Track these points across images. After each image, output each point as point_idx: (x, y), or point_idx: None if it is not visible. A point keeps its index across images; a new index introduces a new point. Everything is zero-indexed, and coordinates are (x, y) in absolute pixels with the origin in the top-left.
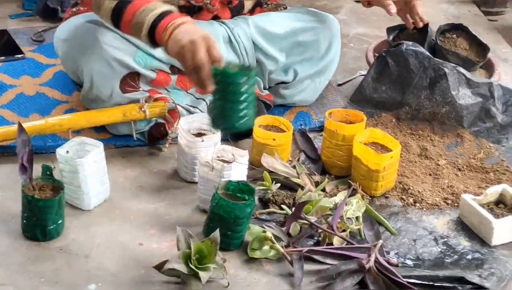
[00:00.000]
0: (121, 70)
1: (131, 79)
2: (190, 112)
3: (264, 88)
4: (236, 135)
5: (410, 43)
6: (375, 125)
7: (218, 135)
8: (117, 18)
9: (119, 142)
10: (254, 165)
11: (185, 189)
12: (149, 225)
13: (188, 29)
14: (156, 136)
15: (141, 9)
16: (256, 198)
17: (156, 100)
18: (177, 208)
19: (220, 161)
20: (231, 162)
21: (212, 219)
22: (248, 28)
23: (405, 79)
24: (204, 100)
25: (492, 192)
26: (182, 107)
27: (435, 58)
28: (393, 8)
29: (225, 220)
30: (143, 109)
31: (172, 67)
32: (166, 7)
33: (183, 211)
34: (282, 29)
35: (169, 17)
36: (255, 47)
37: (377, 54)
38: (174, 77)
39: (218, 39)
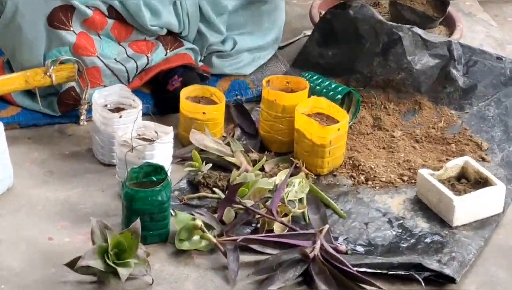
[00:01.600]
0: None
1: (63, 13)
2: (114, 73)
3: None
4: (161, 108)
5: (359, 3)
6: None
7: (138, 109)
8: None
9: (24, 120)
10: (182, 143)
11: (102, 173)
12: (60, 216)
13: None
14: (67, 102)
15: None
16: (184, 181)
17: (62, 62)
18: (93, 196)
19: (140, 140)
20: (153, 141)
21: (129, 213)
22: None
23: (355, 46)
24: (135, 60)
25: (453, 165)
26: (106, 64)
27: (388, 22)
28: None
29: (141, 212)
30: (48, 73)
31: (110, 8)
32: None
33: (99, 199)
34: (231, 2)
35: None
36: (201, 17)
37: (322, 12)
38: (110, 21)
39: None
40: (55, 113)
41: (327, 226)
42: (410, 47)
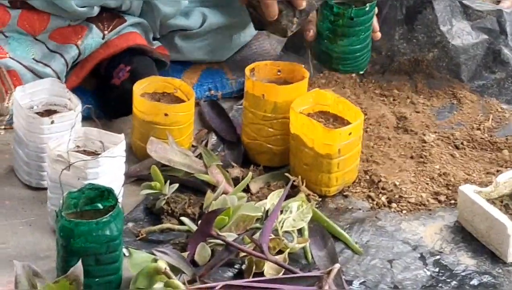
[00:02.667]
0: None
1: None
2: (37, 75)
3: (155, 38)
4: (107, 110)
5: None
6: (325, 85)
7: (77, 112)
8: None
9: None
10: (138, 156)
11: (27, 200)
12: None
13: None
14: None
15: None
16: (121, 206)
17: None
18: (17, 231)
19: (80, 154)
20: (98, 154)
21: (66, 253)
22: None
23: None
24: (60, 54)
25: (506, 180)
26: (25, 66)
27: None
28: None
29: (83, 252)
30: None
31: None
32: None
33: (25, 235)
34: None
35: None
36: None
37: None
38: (14, 13)
39: None
40: None
41: (337, 265)
42: (444, 13)
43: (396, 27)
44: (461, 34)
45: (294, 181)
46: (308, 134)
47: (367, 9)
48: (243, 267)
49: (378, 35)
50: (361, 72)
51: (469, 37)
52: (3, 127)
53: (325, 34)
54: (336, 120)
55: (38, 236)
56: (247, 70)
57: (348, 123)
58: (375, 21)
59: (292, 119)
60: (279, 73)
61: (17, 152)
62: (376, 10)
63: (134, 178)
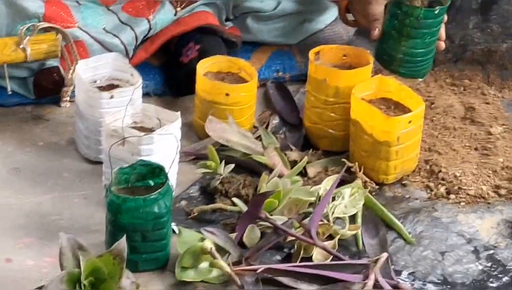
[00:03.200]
0: None
1: None
2: (105, 46)
3: (227, 20)
4: (173, 87)
5: None
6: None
7: (136, 87)
8: None
9: None
10: (199, 135)
11: (85, 173)
12: (24, 230)
13: None
14: (46, 86)
15: None
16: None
17: (45, 29)
18: (72, 204)
19: (136, 130)
20: (153, 130)
21: (114, 228)
22: None
23: None
24: (131, 26)
25: None
26: (93, 37)
27: None
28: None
29: (130, 228)
30: (22, 46)
31: None
32: None
33: (80, 208)
34: None
35: None
36: None
37: None
38: None
39: None
40: (30, 96)
41: (385, 254)
42: None
43: (470, 16)
44: None
45: (351, 167)
46: (367, 120)
47: (436, 12)
48: (292, 251)
49: (443, 45)
50: (421, 79)
51: None
52: (68, 98)
53: (390, 33)
54: (398, 108)
55: (91, 209)
56: (311, 53)
57: (409, 111)
58: (442, 28)
59: (352, 105)
60: (344, 57)
61: (78, 125)
62: (445, 17)
63: (193, 157)
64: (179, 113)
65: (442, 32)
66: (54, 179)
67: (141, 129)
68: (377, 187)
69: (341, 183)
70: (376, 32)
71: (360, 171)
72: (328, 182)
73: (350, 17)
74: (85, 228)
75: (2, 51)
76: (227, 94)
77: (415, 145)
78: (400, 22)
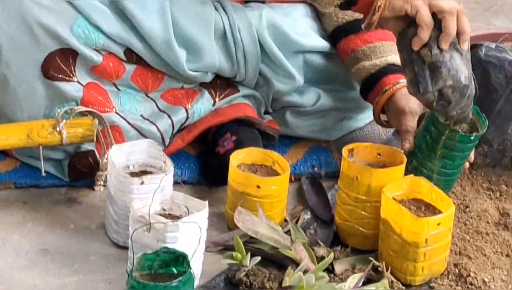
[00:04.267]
0: (49, 42)
1: (62, 59)
2: (141, 133)
3: (266, 113)
4: (207, 177)
5: (493, 44)
6: None
7: (167, 174)
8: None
9: (22, 179)
10: (229, 226)
11: (112, 257)
12: None
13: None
14: (81, 169)
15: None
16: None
17: (82, 113)
18: (96, 288)
19: (164, 217)
20: (180, 218)
21: None
22: (258, 23)
23: (484, 102)
24: (169, 114)
25: None
26: (129, 123)
27: None
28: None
29: None
30: (58, 129)
31: (128, 52)
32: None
33: None
34: (310, 38)
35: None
36: (264, 55)
37: None
38: (129, 68)
39: (206, 31)
40: (64, 178)
41: None
42: None
43: (510, 121)
44: None
45: (378, 266)
46: (396, 220)
47: (472, 138)
48: None
49: (467, 165)
50: None
51: None
52: (102, 183)
53: (421, 146)
54: (428, 209)
55: None
56: (345, 150)
57: (440, 213)
58: (472, 152)
59: (383, 204)
60: (378, 156)
61: (108, 209)
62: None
63: (221, 247)
64: (206, 202)
65: (471, 154)
66: (81, 262)
67: (169, 216)
68: (403, 288)
69: (369, 282)
70: (407, 145)
71: (387, 271)
72: (354, 279)
73: (384, 117)
74: None
75: (38, 133)
76: (258, 187)
77: (444, 248)
78: (434, 140)
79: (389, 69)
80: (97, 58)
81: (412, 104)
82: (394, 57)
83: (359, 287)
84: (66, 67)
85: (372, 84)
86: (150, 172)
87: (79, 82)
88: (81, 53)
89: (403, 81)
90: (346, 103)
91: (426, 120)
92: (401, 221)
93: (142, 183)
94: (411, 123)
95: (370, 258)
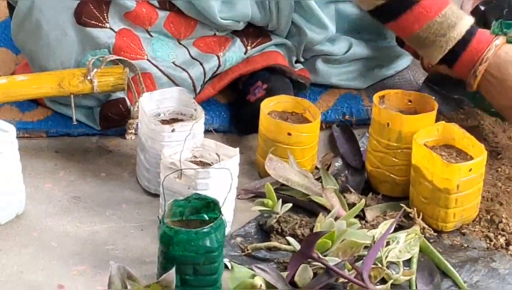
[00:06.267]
0: None
1: (95, 5)
2: (172, 80)
3: (297, 61)
4: (239, 125)
5: None
6: (464, 120)
7: (197, 121)
8: (388, 15)
9: (54, 128)
10: (260, 173)
11: (144, 205)
12: (78, 258)
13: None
14: (112, 118)
15: (434, 20)
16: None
17: (113, 61)
18: (128, 235)
19: (195, 164)
20: (211, 165)
21: (165, 260)
22: None
23: None
24: (200, 62)
25: None
26: (161, 70)
27: None
28: None
29: (182, 260)
30: (89, 77)
31: None
32: (469, 18)
33: (136, 239)
34: None
35: (478, 39)
36: (295, 3)
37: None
38: (163, 14)
39: None
40: (95, 127)
41: None
42: None
43: None
44: None
45: (409, 213)
46: (428, 166)
47: None
48: None
49: None
50: None
51: None
52: (133, 131)
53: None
54: (460, 155)
55: (147, 241)
56: (375, 97)
57: (471, 159)
58: None
59: (414, 150)
60: (409, 103)
61: (139, 157)
62: None
63: (253, 195)
64: (237, 149)
65: None
66: (112, 209)
67: (200, 163)
68: (435, 234)
69: (400, 228)
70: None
71: (418, 217)
72: (385, 226)
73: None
74: (138, 259)
75: (70, 82)
76: (289, 134)
77: (475, 194)
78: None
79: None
80: (131, 3)
81: None
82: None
83: (390, 233)
84: (99, 13)
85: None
86: (181, 120)
87: (111, 29)
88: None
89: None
90: (377, 52)
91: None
92: (432, 167)
93: (173, 130)
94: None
95: (401, 205)
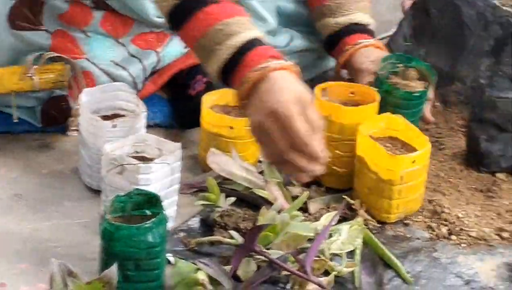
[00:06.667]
0: None
1: (28, 8)
2: (112, 78)
3: None
4: (180, 120)
5: None
6: None
7: (139, 117)
8: (178, 18)
9: None
10: (204, 168)
11: (87, 201)
12: (20, 256)
13: (283, 84)
14: (54, 115)
15: (219, 24)
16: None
17: (52, 59)
18: (70, 232)
19: (134, 159)
20: (152, 160)
21: (107, 256)
22: None
23: (456, 39)
24: (140, 59)
25: None
26: (101, 69)
27: (505, 7)
28: None
29: (123, 256)
30: (29, 74)
31: None
32: (256, 32)
33: (79, 236)
34: None
35: (257, 52)
36: None
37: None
38: (97, 14)
39: None
40: (37, 124)
41: None
42: None
43: (482, 58)
44: None
45: (352, 204)
46: (372, 157)
47: (417, 94)
48: (288, 286)
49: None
50: None
51: None
52: (75, 128)
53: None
54: (404, 147)
55: (89, 238)
56: (317, 89)
57: (415, 150)
58: (427, 111)
59: (358, 141)
60: (352, 94)
61: (81, 154)
62: (431, 95)
63: (196, 189)
64: (179, 144)
65: (428, 115)
66: (55, 206)
67: (142, 159)
68: (378, 225)
69: (343, 220)
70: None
71: (362, 208)
72: (328, 218)
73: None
74: (81, 256)
75: (9, 79)
76: (231, 127)
77: (419, 186)
78: (383, 97)
79: (352, 28)
80: (63, 5)
81: (368, 63)
82: (360, 16)
83: (334, 225)
84: (32, 16)
85: (334, 43)
86: (123, 115)
87: (46, 30)
88: (47, 2)
89: (363, 41)
90: (318, 43)
91: (376, 80)
92: (376, 158)
93: (114, 126)
94: (366, 80)
95: (344, 196)
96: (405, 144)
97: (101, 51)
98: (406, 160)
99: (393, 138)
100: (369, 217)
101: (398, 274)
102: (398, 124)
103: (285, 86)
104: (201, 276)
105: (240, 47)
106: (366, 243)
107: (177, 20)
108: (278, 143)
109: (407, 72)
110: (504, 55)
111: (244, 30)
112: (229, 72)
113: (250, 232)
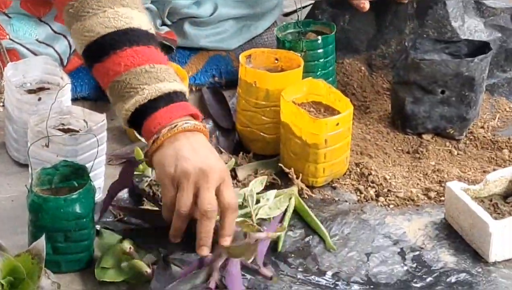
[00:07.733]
0: None
1: None
2: (38, 56)
3: (164, 24)
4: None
5: None
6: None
7: (63, 89)
8: (94, 54)
9: None
10: (131, 138)
11: (14, 176)
12: None
13: (193, 146)
14: None
15: (142, 68)
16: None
17: None
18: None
19: (60, 131)
20: (78, 132)
21: (35, 229)
22: None
23: (380, 4)
24: (64, 35)
25: (497, 178)
26: (26, 47)
27: None
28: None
29: (51, 228)
30: None
31: None
32: (177, 85)
33: (7, 210)
34: None
35: (174, 109)
36: None
37: None
38: None
39: None
40: None
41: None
42: (456, 9)
43: (407, 21)
44: (473, 31)
45: (289, 172)
46: (296, 122)
47: (319, 42)
48: None
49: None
50: None
51: (481, 34)
52: (2, 104)
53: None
54: (328, 111)
55: (18, 212)
56: (242, 57)
57: (339, 113)
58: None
59: (282, 107)
60: (276, 61)
61: (7, 128)
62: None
63: (123, 160)
64: (104, 115)
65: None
66: None
67: (68, 131)
68: (309, 190)
69: (271, 186)
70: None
71: (292, 173)
72: (256, 183)
73: None
74: (10, 230)
75: None
76: None
77: (344, 148)
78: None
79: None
80: None
81: None
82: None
83: (261, 191)
84: None
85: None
86: (48, 88)
87: None
88: None
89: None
90: (243, 10)
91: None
92: (300, 123)
93: (39, 99)
94: None
95: (280, 165)
96: (328, 108)
97: (24, 31)
98: (329, 123)
99: (316, 103)
100: (304, 186)
101: (323, 240)
102: (320, 89)
103: (193, 153)
104: (127, 245)
105: (167, 94)
106: (296, 210)
107: (99, 53)
108: (167, 201)
109: (307, 34)
110: (428, 18)
111: (173, 80)
112: (147, 114)
113: (124, 169)
